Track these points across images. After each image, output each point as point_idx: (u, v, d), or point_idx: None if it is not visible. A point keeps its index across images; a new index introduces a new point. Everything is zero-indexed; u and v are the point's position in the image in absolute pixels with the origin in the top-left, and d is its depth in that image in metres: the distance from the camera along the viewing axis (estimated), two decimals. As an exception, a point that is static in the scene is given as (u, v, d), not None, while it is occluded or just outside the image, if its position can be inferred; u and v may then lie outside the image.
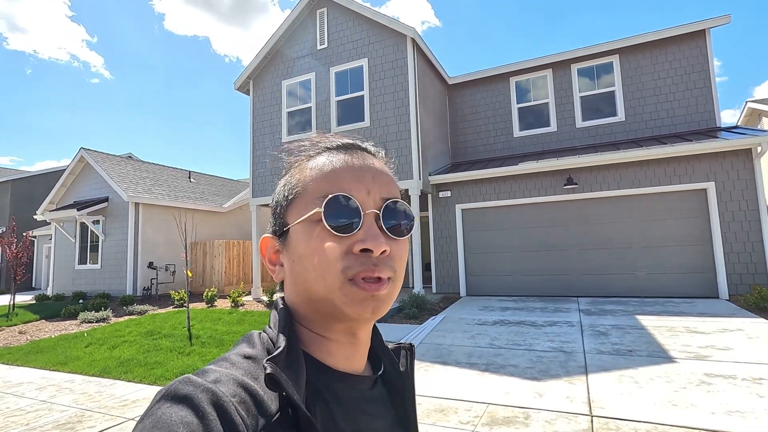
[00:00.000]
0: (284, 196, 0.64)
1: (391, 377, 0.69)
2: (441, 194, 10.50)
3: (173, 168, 17.84)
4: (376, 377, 0.66)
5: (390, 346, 0.75)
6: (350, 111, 10.52)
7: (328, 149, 0.65)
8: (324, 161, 0.63)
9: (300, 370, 0.54)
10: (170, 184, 15.67)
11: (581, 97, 10.93)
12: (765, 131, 8.53)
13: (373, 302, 0.57)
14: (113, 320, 9.58)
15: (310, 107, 11.03)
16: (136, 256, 13.06)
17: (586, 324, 6.61)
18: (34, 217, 15.26)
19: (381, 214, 0.59)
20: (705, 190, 8.27)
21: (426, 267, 11.49)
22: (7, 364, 6.57)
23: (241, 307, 10.15)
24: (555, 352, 5.29)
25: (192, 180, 17.52)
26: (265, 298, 10.43)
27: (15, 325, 9.76)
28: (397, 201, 0.62)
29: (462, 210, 10.33)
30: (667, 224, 8.53)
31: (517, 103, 11.67)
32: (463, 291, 10.09)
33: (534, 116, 11.52)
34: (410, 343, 0.78)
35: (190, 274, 8.51)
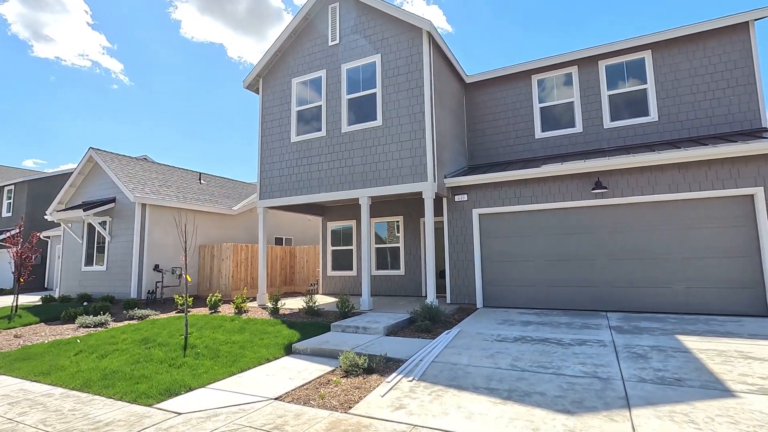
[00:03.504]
0: None
1: None
2: (457, 198, 9.86)
3: (184, 169, 17.61)
4: None
5: None
6: (362, 109, 10.00)
7: None
8: None
9: None
10: (180, 186, 15.40)
11: (609, 95, 10.19)
12: (820, 131, 7.67)
13: None
14: (111, 325, 9.19)
15: (320, 106, 10.56)
16: (141, 259, 12.74)
17: (621, 344, 5.88)
18: (45, 217, 15.15)
19: None
20: (752, 195, 7.45)
21: (440, 275, 10.85)
22: (-9, 371, 6.17)
23: (244, 314, 9.67)
24: (588, 378, 4.60)
25: (202, 182, 17.25)
26: (270, 305, 9.92)
27: (14, 327, 9.47)
28: None
29: (479, 215, 9.66)
30: (709, 233, 7.71)
31: (540, 103, 10.98)
32: (480, 302, 9.40)
33: (557, 116, 10.81)
34: None
35: (189, 279, 8.05)
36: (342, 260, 13.28)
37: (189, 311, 10.55)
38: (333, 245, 13.52)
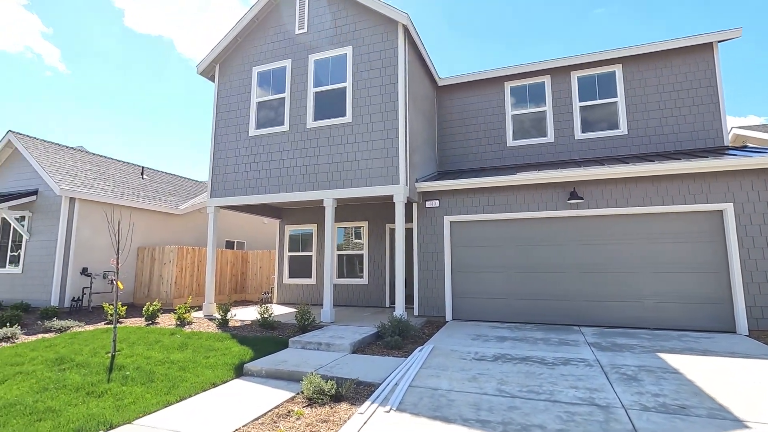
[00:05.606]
0: None
1: None
2: (428, 204, 9.32)
3: (124, 162, 15.89)
4: None
5: None
6: (330, 104, 9.24)
7: None
8: None
9: None
10: (118, 180, 13.77)
11: (581, 106, 10.14)
12: (780, 151, 7.89)
13: None
14: (21, 339, 7.71)
15: (284, 98, 9.68)
16: (66, 261, 11.09)
17: (605, 363, 5.51)
18: (-52, 209, 12.92)
19: None
20: (722, 211, 7.48)
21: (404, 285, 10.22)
22: None
23: (187, 326, 8.51)
24: (586, 405, 4.11)
25: (145, 177, 15.62)
26: (218, 316, 8.82)
27: None
28: None
29: (451, 222, 9.18)
30: (679, 248, 7.67)
31: (512, 110, 10.76)
32: (449, 315, 8.86)
33: (530, 125, 10.63)
34: None
35: (121, 286, 6.87)
36: (300, 267, 12.33)
37: (121, 322, 9.19)
38: (291, 251, 12.54)
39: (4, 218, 11.86)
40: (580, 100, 10.15)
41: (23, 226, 11.64)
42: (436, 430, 3.66)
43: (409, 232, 9.93)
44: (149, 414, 4.24)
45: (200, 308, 10.99)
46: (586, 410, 4.00)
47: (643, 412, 3.92)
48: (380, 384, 4.90)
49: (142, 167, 16.15)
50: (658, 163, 7.71)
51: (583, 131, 10.07)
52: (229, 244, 16.52)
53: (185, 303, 9.47)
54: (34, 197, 11.70)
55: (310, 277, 12.12)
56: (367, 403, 4.33)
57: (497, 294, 8.71)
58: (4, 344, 7.35)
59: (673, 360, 5.60)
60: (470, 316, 8.83)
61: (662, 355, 5.85)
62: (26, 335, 8.03)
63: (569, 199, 8.14)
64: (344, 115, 9.02)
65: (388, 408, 4.15)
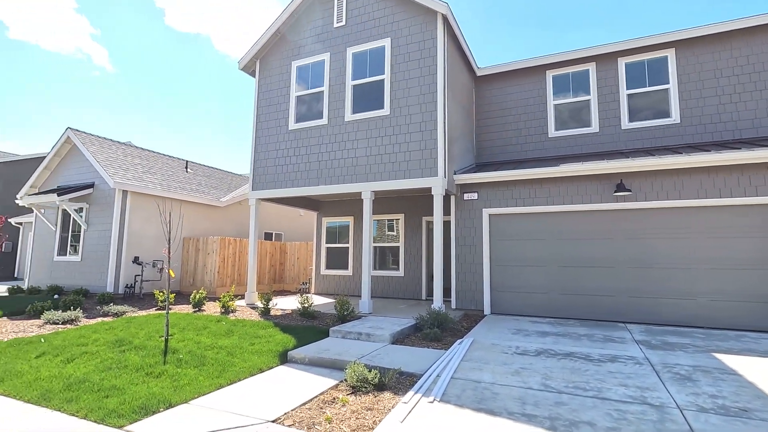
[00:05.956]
0: None
1: None
2: (466, 196, 9.22)
3: (170, 156, 16.61)
4: None
5: None
6: (368, 97, 9.28)
7: None
8: None
9: None
10: (164, 173, 14.43)
11: (629, 94, 9.67)
12: None
13: None
14: (83, 322, 8.29)
15: (323, 92, 9.80)
16: (120, 250, 11.78)
17: (656, 362, 5.29)
18: (16, 201, 14.01)
19: None
20: (787, 204, 6.97)
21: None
22: (-65, 375, 5.27)
23: (232, 314, 8.86)
24: (638, 404, 3.97)
25: (189, 170, 16.28)
26: (260, 305, 9.13)
27: (-29, 321, 8.47)
28: None
29: (490, 215, 9.04)
30: (739, 243, 7.21)
31: (554, 100, 10.41)
32: (487, 308, 8.77)
33: (573, 115, 10.26)
34: None
35: (172, 274, 7.24)
36: (337, 259, 12.53)
37: (170, 309, 9.69)
38: (328, 242, 12.76)
39: (65, 210, 12.71)
40: (627, 88, 9.68)
41: (81, 216, 12.44)
42: (481, 423, 3.65)
43: (446, 225, 9.86)
44: (204, 395, 4.47)
45: (242, 297, 11.41)
46: (638, 409, 3.87)
47: (700, 413, 3.75)
48: (422, 375, 4.94)
49: (186, 161, 16.83)
50: (715, 153, 7.26)
51: (630, 120, 9.61)
52: (268, 236, 17.00)
53: (228, 292, 9.85)
54: (90, 190, 12.47)
55: (346, 268, 12.30)
56: (410, 393, 4.38)
57: (538, 288, 8.53)
58: (69, 326, 7.93)
59: (731, 361, 5.31)
60: (509, 310, 8.70)
61: (718, 356, 5.55)
62: (87, 318, 8.62)
63: (615, 192, 7.82)
64: (382, 107, 9.03)
65: (431, 399, 4.18)
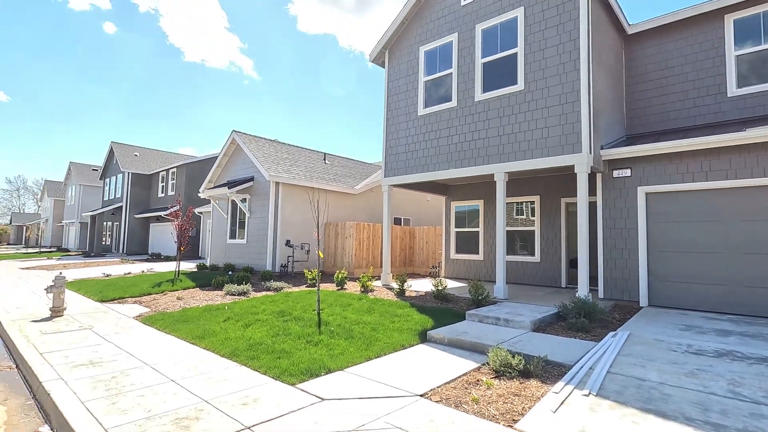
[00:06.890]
0: None
1: None
2: (616, 173, 8.20)
3: (309, 150, 18.37)
4: None
5: None
6: (499, 73, 8.85)
7: None
8: None
9: None
10: (306, 165, 16.04)
11: None
12: None
13: None
14: (251, 294, 9.79)
15: (451, 74, 9.66)
16: (275, 234, 13.55)
17: None
18: (198, 194, 17.15)
19: None
20: None
21: (570, 264, 9.28)
22: (160, 330, 6.84)
23: (370, 293, 9.50)
24: None
25: (326, 162, 17.79)
26: (395, 286, 9.59)
27: (176, 290, 10.72)
28: None
29: (647, 194, 7.89)
30: None
31: (736, 50, 8.49)
32: (643, 300, 7.74)
33: (762, 65, 8.24)
34: None
35: (321, 255, 8.04)
36: (467, 243, 12.41)
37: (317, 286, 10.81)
38: (457, 227, 12.70)
39: (233, 200, 15.10)
40: None
41: (245, 206, 14.63)
42: (651, 425, 3.26)
43: (590, 207, 8.93)
44: (355, 365, 4.91)
45: (377, 278, 12.13)
46: None
47: None
48: (572, 366, 4.61)
49: (324, 153, 18.42)
50: None
51: None
52: (397, 221, 17.68)
53: (366, 273, 10.57)
54: (251, 183, 14.56)
55: (477, 253, 12.10)
56: (561, 383, 4.13)
57: (713, 279, 7.19)
58: (242, 297, 9.48)
59: None
60: (672, 302, 7.54)
61: None
62: (254, 291, 10.17)
63: (835, 159, 6.08)
64: (515, 83, 8.52)
65: (586, 392, 3.88)
